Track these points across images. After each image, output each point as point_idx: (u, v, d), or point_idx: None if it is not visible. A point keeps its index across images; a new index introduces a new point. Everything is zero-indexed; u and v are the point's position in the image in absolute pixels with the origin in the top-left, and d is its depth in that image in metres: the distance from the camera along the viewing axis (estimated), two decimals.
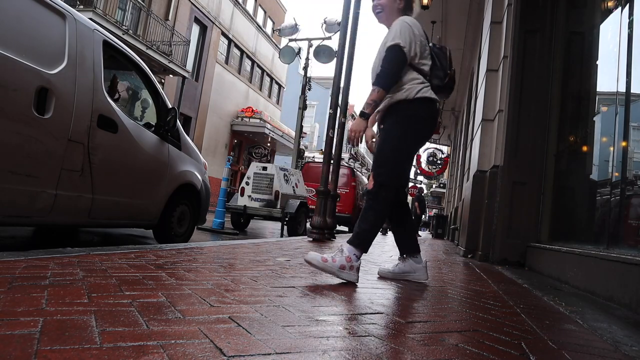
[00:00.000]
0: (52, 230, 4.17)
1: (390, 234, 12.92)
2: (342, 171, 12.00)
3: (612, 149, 3.49)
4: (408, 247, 2.59)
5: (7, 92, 2.21)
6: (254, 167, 7.81)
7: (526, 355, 1.21)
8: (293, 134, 18.46)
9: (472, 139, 7.07)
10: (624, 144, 3.12)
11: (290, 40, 13.55)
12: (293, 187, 7.94)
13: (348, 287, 2.02)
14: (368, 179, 2.52)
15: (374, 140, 2.62)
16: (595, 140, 4.04)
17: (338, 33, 6.52)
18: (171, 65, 14.66)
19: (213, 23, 19.16)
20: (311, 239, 5.21)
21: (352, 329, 1.26)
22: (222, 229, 6.35)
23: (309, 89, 13.98)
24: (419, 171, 23.50)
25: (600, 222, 3.59)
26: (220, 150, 20.44)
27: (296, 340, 1.08)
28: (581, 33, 4.74)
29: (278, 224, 9.77)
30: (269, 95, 26.02)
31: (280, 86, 27.39)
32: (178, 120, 3.66)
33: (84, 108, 2.67)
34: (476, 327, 1.49)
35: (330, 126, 5.78)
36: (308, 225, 6.48)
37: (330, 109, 5.79)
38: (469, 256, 5.42)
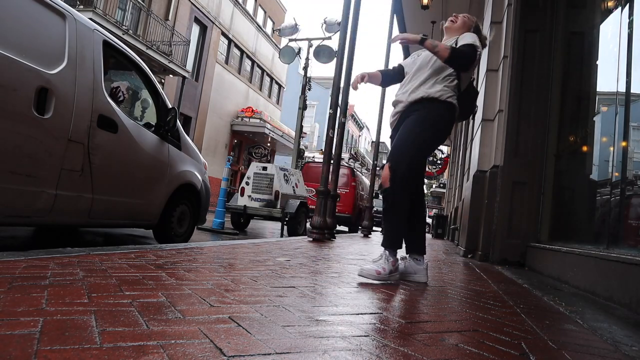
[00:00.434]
0: (52, 230, 4.17)
1: None
2: (342, 171, 12.00)
3: (612, 149, 3.49)
4: (416, 247, 2.60)
5: (7, 92, 2.21)
6: (254, 167, 7.81)
7: (526, 355, 1.21)
8: (293, 134, 18.46)
9: (472, 139, 7.07)
10: (624, 144, 3.12)
11: (290, 40, 13.55)
12: (293, 187, 7.94)
13: (348, 287, 2.02)
14: (381, 174, 2.54)
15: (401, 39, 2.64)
16: (595, 140, 4.04)
17: (338, 33, 6.52)
18: (171, 65, 14.66)
19: (213, 23, 19.16)
20: (311, 239, 5.21)
21: (352, 329, 1.26)
22: (222, 229, 6.35)
23: (309, 89, 13.98)
24: None
25: (600, 222, 3.58)
26: (220, 150, 20.44)
27: (296, 340, 1.08)
28: (581, 33, 4.73)
29: (278, 224, 9.77)
30: (269, 95, 26.02)
31: (280, 86, 27.39)
32: (178, 120, 3.66)
33: (84, 108, 2.67)
34: (476, 327, 1.49)
35: (330, 126, 5.77)
36: (308, 225, 6.48)
37: (330, 109, 5.79)
38: (469, 256, 5.42)
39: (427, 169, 22.78)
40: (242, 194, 7.66)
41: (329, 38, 12.55)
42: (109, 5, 12.62)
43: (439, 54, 2.43)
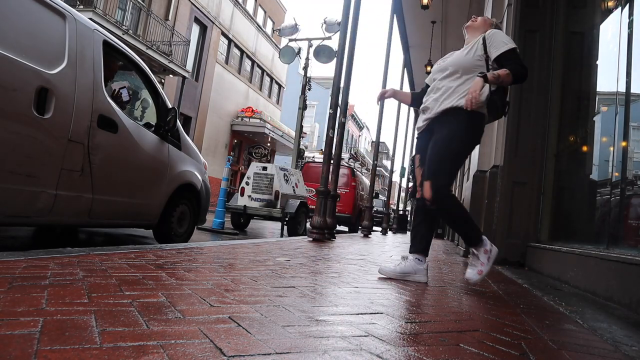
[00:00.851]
0: (52, 230, 4.17)
1: (389, 234, 12.92)
2: (342, 171, 11.99)
3: (612, 149, 3.49)
4: (423, 248, 2.63)
5: (7, 92, 2.21)
6: (254, 167, 7.81)
7: (526, 355, 1.21)
8: (293, 134, 18.45)
9: None
10: (624, 144, 3.12)
11: (290, 40, 13.54)
12: (293, 187, 7.93)
13: (348, 287, 2.02)
14: (422, 184, 2.59)
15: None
16: (595, 140, 4.04)
17: (338, 33, 6.51)
18: (171, 65, 14.66)
19: (213, 23, 19.16)
20: (311, 239, 5.21)
21: (352, 329, 1.26)
22: (222, 229, 6.35)
23: (309, 89, 13.97)
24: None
25: (600, 222, 3.59)
26: (220, 150, 20.44)
27: (296, 340, 1.08)
28: (581, 33, 4.74)
29: (278, 224, 9.77)
30: (269, 95, 26.02)
31: (280, 86, 27.39)
32: (178, 120, 3.66)
33: (84, 108, 2.67)
34: (476, 327, 1.49)
35: (330, 126, 5.77)
36: (308, 225, 6.47)
37: (330, 109, 5.79)
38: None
39: None
40: (242, 194, 7.66)
41: (329, 38, 12.54)
42: (109, 5, 12.61)
43: (505, 82, 2.47)
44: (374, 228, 12.87)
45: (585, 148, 4.21)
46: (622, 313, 2.23)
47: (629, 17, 3.17)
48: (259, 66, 24.19)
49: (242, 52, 22.30)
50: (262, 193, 7.53)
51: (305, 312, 1.39)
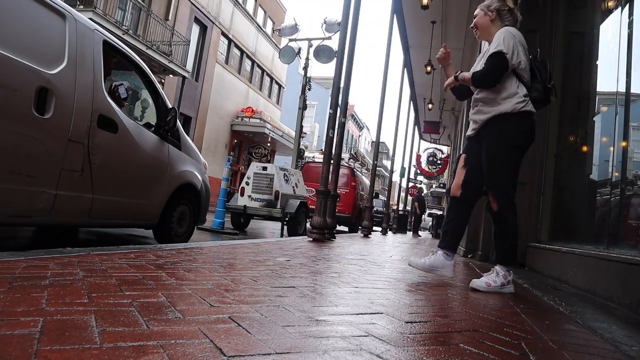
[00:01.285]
0: (52, 230, 4.17)
1: (389, 234, 12.92)
2: (342, 171, 11.99)
3: (612, 149, 3.49)
4: (452, 243, 2.70)
5: (7, 92, 2.21)
6: (254, 167, 7.81)
7: (526, 356, 1.21)
8: (293, 134, 18.44)
9: None
10: (624, 144, 3.12)
11: (290, 40, 13.53)
12: (293, 187, 7.93)
13: (348, 287, 2.02)
14: (462, 184, 2.71)
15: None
16: (595, 140, 4.04)
17: (338, 33, 6.51)
18: (171, 65, 14.65)
19: (213, 23, 19.16)
20: (311, 239, 5.21)
21: (352, 329, 1.26)
22: (222, 229, 6.35)
23: (309, 89, 13.97)
24: (419, 171, 23.49)
25: (600, 222, 3.59)
26: (220, 150, 20.44)
27: (296, 340, 1.08)
28: (581, 33, 4.74)
29: (278, 224, 9.77)
30: (269, 95, 26.01)
31: (280, 86, 27.38)
32: (178, 120, 3.66)
33: (84, 108, 2.67)
34: (476, 327, 1.49)
35: (330, 126, 5.77)
36: (308, 225, 6.47)
37: (330, 109, 5.79)
38: (469, 256, 5.42)
39: (427, 169, 22.87)
40: (242, 194, 7.66)
41: (329, 38, 12.53)
42: (109, 5, 12.61)
43: (467, 83, 2.60)
44: (374, 228, 12.87)
45: (585, 148, 4.21)
46: (622, 313, 2.23)
47: (629, 17, 3.17)
48: (259, 66, 24.18)
49: (242, 52, 22.30)
50: (262, 193, 7.53)
51: (305, 312, 1.39)
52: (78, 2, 11.45)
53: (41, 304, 1.14)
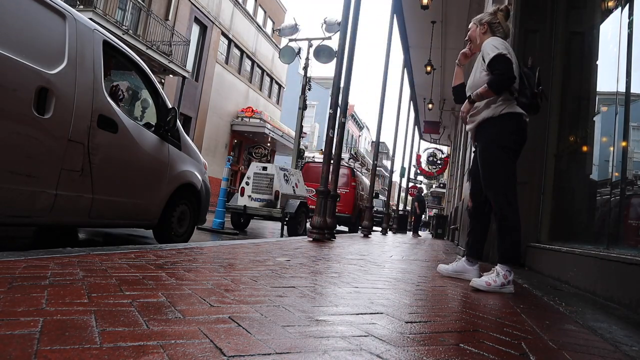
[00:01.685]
0: (52, 230, 4.17)
1: (389, 234, 12.92)
2: (342, 171, 11.99)
3: (612, 149, 3.49)
4: (474, 252, 2.90)
5: (7, 92, 2.21)
6: (254, 167, 7.81)
7: (526, 355, 1.21)
8: (293, 134, 18.44)
9: None
10: (623, 144, 3.12)
11: (290, 40, 13.53)
12: (293, 187, 7.93)
13: (348, 287, 2.03)
14: (470, 195, 2.98)
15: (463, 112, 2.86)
16: (595, 140, 4.04)
17: (338, 33, 6.51)
18: (171, 65, 14.65)
19: (213, 23, 19.16)
20: (311, 239, 5.21)
21: (352, 329, 1.26)
22: (222, 229, 6.35)
23: (309, 89, 13.96)
24: (419, 171, 23.50)
25: (600, 222, 3.59)
26: (220, 150, 20.44)
27: (296, 340, 1.08)
28: (581, 33, 4.74)
29: (278, 224, 9.77)
30: (269, 95, 26.01)
31: (280, 86, 27.38)
32: (178, 120, 3.66)
33: (84, 108, 2.67)
34: (476, 327, 1.49)
35: (330, 126, 5.77)
36: (308, 225, 6.47)
37: (330, 109, 5.79)
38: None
39: (427, 169, 22.88)
40: (242, 194, 7.66)
41: (329, 38, 12.53)
42: (109, 5, 12.61)
43: (487, 96, 2.62)
44: (374, 228, 12.87)
45: (585, 148, 4.21)
46: (622, 313, 2.23)
47: (629, 17, 3.17)
48: (259, 66, 24.18)
49: (242, 52, 22.30)
50: (262, 193, 7.53)
51: (305, 312, 1.39)
52: (78, 2, 11.45)
53: (41, 304, 1.14)
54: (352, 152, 34.82)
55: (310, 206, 7.98)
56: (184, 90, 16.47)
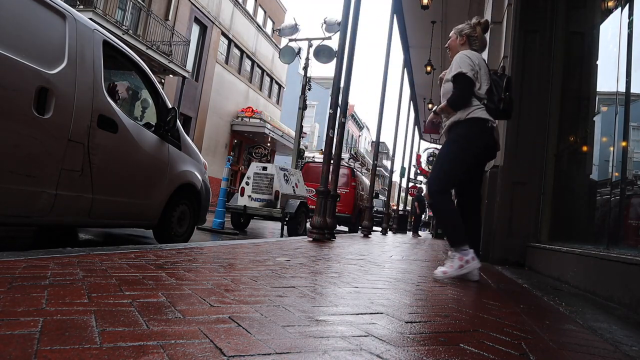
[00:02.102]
0: (52, 230, 4.17)
1: (389, 234, 12.92)
2: (342, 171, 11.99)
3: (612, 148, 3.49)
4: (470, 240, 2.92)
5: (7, 92, 2.21)
6: (254, 167, 7.81)
7: (526, 356, 1.21)
8: (293, 134, 18.45)
9: None
10: (623, 143, 3.12)
11: (290, 40, 13.54)
12: (293, 187, 7.93)
13: (348, 287, 2.03)
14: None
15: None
16: (595, 140, 4.04)
17: (338, 33, 6.51)
18: (171, 65, 14.65)
19: (213, 23, 19.15)
20: (311, 239, 5.21)
21: (352, 329, 1.26)
22: (222, 229, 6.35)
23: (309, 89, 13.97)
24: (419, 171, 23.49)
25: (600, 222, 3.59)
26: (220, 150, 20.44)
27: (296, 340, 1.08)
28: (581, 33, 4.74)
29: (278, 224, 9.78)
30: (269, 95, 26.01)
31: (280, 86, 27.38)
32: (178, 120, 3.66)
33: (84, 108, 2.67)
34: (476, 327, 1.49)
35: (330, 126, 5.77)
36: (308, 225, 6.47)
37: (330, 109, 5.78)
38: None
39: (427, 169, 22.87)
40: (242, 194, 7.66)
41: (329, 38, 12.54)
42: (109, 5, 12.61)
43: (446, 111, 2.90)
44: (374, 228, 12.86)
45: (585, 148, 4.21)
46: (623, 313, 2.23)
47: (629, 17, 3.17)
48: (259, 66, 24.18)
49: (242, 52, 22.30)
50: (262, 193, 7.53)
51: (305, 312, 1.39)
52: (78, 2, 11.45)
53: (41, 304, 1.14)
54: (352, 152, 34.82)
55: (310, 206, 7.98)
56: (184, 90, 16.47)
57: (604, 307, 2.38)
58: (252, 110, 21.79)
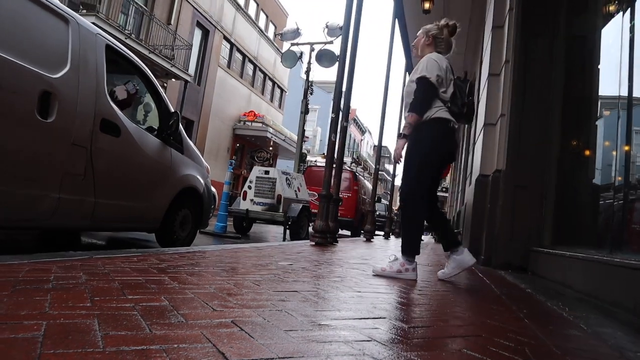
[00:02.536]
0: (55, 234, 4.18)
1: (392, 238, 12.90)
2: (345, 175, 11.96)
3: (614, 153, 3.48)
4: (447, 244, 2.98)
5: (11, 95, 2.22)
6: (257, 171, 7.81)
7: None
8: (295, 137, 18.47)
9: (474, 143, 7.06)
10: (626, 148, 3.12)
11: (292, 44, 13.60)
12: (295, 191, 7.93)
13: (351, 292, 2.02)
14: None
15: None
16: (597, 144, 4.03)
17: (340, 37, 6.53)
18: (173, 69, 14.70)
19: (215, 27, 19.23)
20: (313, 243, 5.20)
21: (354, 334, 1.26)
22: (224, 233, 6.35)
23: (311, 93, 14.00)
24: None
25: (603, 227, 3.57)
26: (223, 154, 20.46)
27: (299, 345, 1.08)
28: (583, 37, 4.74)
29: (280, 228, 9.76)
30: (271, 100, 26.06)
31: (282, 90, 27.43)
32: (180, 124, 3.67)
33: (87, 112, 2.68)
34: (479, 332, 1.49)
35: (333, 130, 5.77)
36: (310, 229, 6.47)
37: (332, 113, 5.79)
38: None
39: None
40: (244, 198, 7.66)
41: (331, 42, 12.58)
42: (112, 9, 12.68)
43: (413, 123, 2.82)
44: (377, 232, 12.85)
45: (587, 152, 4.20)
46: (627, 318, 2.22)
47: (631, 22, 3.17)
48: (261, 70, 24.24)
49: (244, 56, 22.37)
50: (265, 197, 7.53)
51: (308, 317, 1.39)
52: (81, 7, 11.52)
53: (44, 307, 1.14)
54: (354, 156, 34.83)
55: (313, 210, 7.98)
56: (186, 94, 16.50)
57: (608, 312, 2.37)
58: (255, 114, 21.83)
